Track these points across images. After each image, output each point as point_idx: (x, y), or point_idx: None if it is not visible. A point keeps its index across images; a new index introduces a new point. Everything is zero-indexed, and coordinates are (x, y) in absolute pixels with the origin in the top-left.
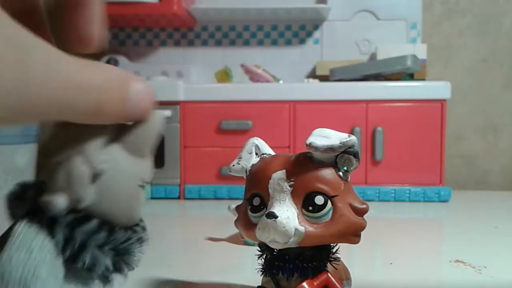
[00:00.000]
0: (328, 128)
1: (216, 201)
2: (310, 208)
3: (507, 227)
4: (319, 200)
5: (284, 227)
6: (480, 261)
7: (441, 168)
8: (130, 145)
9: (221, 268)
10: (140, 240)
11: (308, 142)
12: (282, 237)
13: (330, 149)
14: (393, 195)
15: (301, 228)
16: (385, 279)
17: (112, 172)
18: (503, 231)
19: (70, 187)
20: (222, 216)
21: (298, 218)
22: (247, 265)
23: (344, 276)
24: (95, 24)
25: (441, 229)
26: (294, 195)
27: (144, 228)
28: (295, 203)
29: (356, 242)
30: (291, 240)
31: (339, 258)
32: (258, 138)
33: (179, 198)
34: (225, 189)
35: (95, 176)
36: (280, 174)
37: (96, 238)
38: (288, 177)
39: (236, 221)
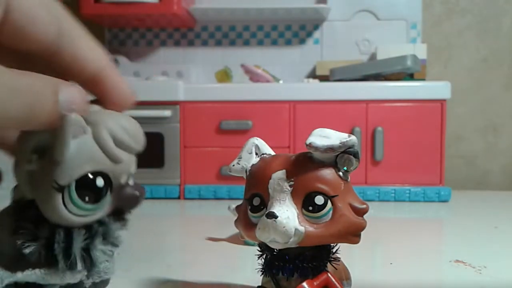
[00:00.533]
0: (328, 128)
1: (216, 201)
2: (310, 208)
3: (507, 227)
4: (319, 200)
5: (284, 227)
6: (480, 261)
7: (441, 168)
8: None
9: (221, 268)
10: (96, 238)
11: (308, 142)
12: (282, 237)
13: (330, 149)
14: (393, 195)
15: (301, 228)
16: (385, 279)
17: (36, 171)
18: (503, 231)
19: (15, 176)
20: (222, 216)
21: (298, 218)
22: (247, 265)
23: (344, 276)
24: (122, 88)
25: (441, 229)
26: (294, 195)
27: (103, 223)
28: (295, 203)
29: (356, 242)
30: (291, 240)
31: (339, 258)
32: (258, 138)
33: (179, 198)
34: (225, 189)
35: (28, 173)
36: (280, 174)
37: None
38: (288, 177)
39: (236, 221)
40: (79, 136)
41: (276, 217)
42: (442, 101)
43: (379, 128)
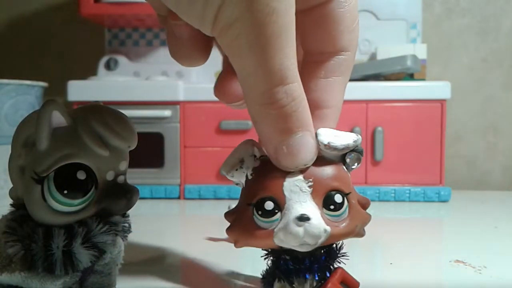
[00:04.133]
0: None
1: (216, 201)
2: (332, 207)
3: (507, 227)
4: (339, 198)
5: (318, 228)
6: (480, 261)
7: (441, 168)
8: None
9: (221, 268)
10: (79, 239)
11: (326, 142)
12: (314, 239)
13: (347, 148)
14: (393, 195)
15: (328, 228)
16: (385, 279)
17: (25, 166)
18: (503, 231)
19: (9, 173)
20: (222, 216)
21: (322, 218)
22: (247, 265)
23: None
24: None
25: (441, 229)
26: (314, 195)
27: (84, 224)
28: (316, 203)
29: (363, 235)
30: (320, 241)
31: (347, 254)
32: (253, 139)
33: (179, 198)
34: (225, 189)
35: (19, 168)
36: (296, 175)
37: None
38: (306, 177)
39: (231, 229)
40: (60, 126)
41: (309, 219)
42: (442, 101)
43: (379, 128)
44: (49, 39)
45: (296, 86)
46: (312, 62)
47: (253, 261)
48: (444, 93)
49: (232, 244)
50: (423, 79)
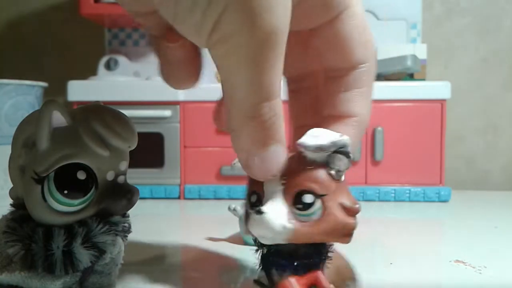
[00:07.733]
0: None
1: (216, 201)
2: (299, 206)
3: (507, 227)
4: (307, 198)
5: (270, 223)
6: (480, 261)
7: (441, 168)
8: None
9: (221, 268)
10: (78, 239)
11: (298, 142)
12: (269, 232)
13: (319, 148)
14: (393, 195)
15: (289, 225)
16: (385, 279)
17: (26, 166)
18: (503, 231)
19: (9, 173)
20: (222, 216)
21: (287, 215)
22: (247, 265)
23: (348, 276)
24: None
25: (441, 229)
26: (285, 193)
27: (84, 224)
28: (286, 201)
29: (346, 242)
30: (279, 236)
31: (331, 257)
32: None
33: (179, 198)
34: (225, 189)
35: (20, 168)
36: None
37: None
38: (281, 176)
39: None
40: (60, 126)
41: (262, 213)
42: (442, 101)
43: (379, 128)
44: (49, 39)
45: (279, 102)
46: (334, 77)
47: (253, 261)
48: (444, 93)
49: (232, 244)
50: (423, 79)
